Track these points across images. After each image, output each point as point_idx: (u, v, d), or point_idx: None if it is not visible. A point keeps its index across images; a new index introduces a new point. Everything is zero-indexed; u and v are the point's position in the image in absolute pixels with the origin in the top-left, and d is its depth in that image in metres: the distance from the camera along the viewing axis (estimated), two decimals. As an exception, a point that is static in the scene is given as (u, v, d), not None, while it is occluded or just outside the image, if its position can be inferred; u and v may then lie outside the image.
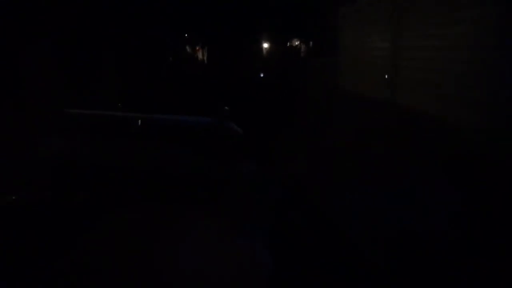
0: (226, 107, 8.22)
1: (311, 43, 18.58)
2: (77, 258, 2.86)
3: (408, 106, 6.44)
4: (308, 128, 6.61)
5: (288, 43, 18.04)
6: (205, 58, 12.85)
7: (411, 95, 6.44)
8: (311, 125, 6.85)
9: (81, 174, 4.19)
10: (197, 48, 12.67)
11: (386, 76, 7.95)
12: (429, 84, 5.88)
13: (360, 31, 8.78)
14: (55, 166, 4.20)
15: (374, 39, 7.95)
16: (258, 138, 5.72)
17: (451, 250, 3.01)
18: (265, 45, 18.79)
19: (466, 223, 3.27)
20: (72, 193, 3.89)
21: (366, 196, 3.83)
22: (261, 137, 5.91)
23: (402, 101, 6.70)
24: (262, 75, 14.00)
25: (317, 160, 4.92)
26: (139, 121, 7.51)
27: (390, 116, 6.48)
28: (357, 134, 5.76)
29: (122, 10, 8.97)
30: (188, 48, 12.18)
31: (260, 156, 4.93)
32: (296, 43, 19.06)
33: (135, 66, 9.09)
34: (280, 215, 3.62)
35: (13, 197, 3.67)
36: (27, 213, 3.51)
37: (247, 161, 4.50)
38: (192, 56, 12.46)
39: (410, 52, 6.50)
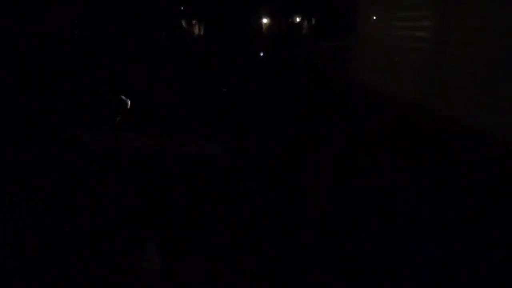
0: (224, 89, 7.79)
1: (313, 20, 18.02)
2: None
3: (451, 115, 5.31)
4: (318, 137, 5.76)
5: (290, 20, 17.46)
6: (201, 33, 12.39)
7: (456, 101, 5.31)
8: (321, 133, 5.94)
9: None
10: (193, 23, 12.16)
11: (397, 59, 7.24)
12: (485, 91, 4.69)
13: (390, 13, 7.51)
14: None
15: (410, 26, 6.68)
16: (256, 139, 5.41)
17: None
18: (265, 21, 18.24)
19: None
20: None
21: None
22: (259, 137, 5.57)
23: (443, 107, 5.58)
24: (262, 54, 13.59)
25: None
26: (129, 102, 7.16)
27: (430, 127, 5.41)
28: (383, 149, 5.03)
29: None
30: (183, 23, 11.69)
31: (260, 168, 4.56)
32: (298, 20, 18.46)
33: (127, 45, 8.69)
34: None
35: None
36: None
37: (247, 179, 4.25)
38: (188, 31, 12.00)
39: (460, 47, 5.29)
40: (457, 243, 3.41)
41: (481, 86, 4.83)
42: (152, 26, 10.07)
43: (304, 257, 3.39)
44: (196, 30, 12.35)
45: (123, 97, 7.56)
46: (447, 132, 5.11)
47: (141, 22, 9.49)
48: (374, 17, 8.38)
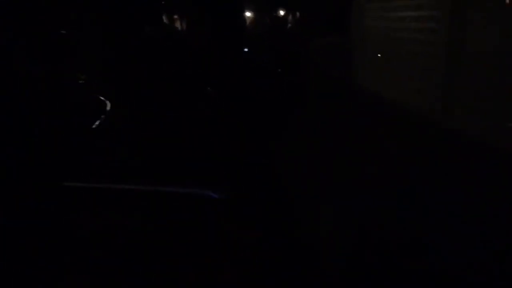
0: (209, 88, 7.81)
1: (297, 14, 18.07)
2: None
3: (473, 136, 4.48)
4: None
5: (274, 14, 17.49)
6: (184, 28, 12.43)
7: (478, 116, 4.43)
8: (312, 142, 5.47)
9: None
10: (175, 17, 12.21)
11: (379, 55, 6.73)
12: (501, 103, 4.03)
13: (392, 7, 6.77)
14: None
15: (418, 21, 5.91)
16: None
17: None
18: (248, 14, 18.26)
19: None
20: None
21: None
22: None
23: (461, 125, 4.77)
24: (246, 50, 13.65)
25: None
26: (108, 103, 7.18)
27: (445, 158, 4.64)
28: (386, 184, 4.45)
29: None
30: (164, 18, 11.74)
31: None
32: (282, 14, 18.51)
33: (106, 41, 8.64)
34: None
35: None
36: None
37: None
38: (170, 26, 12.03)
39: (481, 45, 4.50)
40: (458, 243, 3.56)
41: (498, 98, 4.29)
42: (134, 20, 10.05)
43: (304, 257, 3.51)
44: (178, 24, 12.38)
45: (101, 98, 7.51)
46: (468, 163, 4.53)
47: (121, 16, 9.46)
48: (375, 12, 7.75)
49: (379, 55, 6.84)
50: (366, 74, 7.84)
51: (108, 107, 7.15)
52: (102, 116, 6.69)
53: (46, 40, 7.25)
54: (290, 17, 16.94)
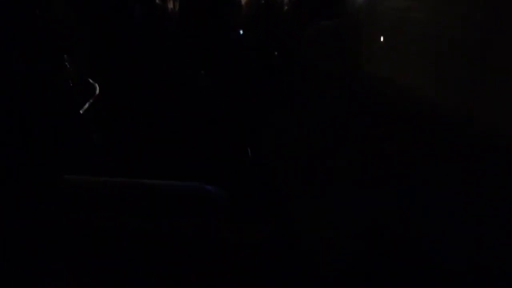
0: (202, 71, 7.77)
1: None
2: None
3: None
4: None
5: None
6: (176, 8, 12.37)
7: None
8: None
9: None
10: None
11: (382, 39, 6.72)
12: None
13: None
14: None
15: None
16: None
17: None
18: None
19: None
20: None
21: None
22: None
23: (491, 124, 4.14)
24: (241, 32, 13.59)
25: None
26: (97, 86, 7.15)
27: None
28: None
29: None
30: (157, -2, 11.67)
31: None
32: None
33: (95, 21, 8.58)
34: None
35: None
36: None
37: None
38: (161, 7, 11.97)
39: None
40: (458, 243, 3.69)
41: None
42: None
43: (304, 257, 3.63)
44: (171, 4, 12.33)
45: (90, 80, 7.47)
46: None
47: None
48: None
49: (390, 41, 6.29)
50: (375, 61, 7.23)
51: (97, 90, 7.12)
52: (90, 100, 6.69)
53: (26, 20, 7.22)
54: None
